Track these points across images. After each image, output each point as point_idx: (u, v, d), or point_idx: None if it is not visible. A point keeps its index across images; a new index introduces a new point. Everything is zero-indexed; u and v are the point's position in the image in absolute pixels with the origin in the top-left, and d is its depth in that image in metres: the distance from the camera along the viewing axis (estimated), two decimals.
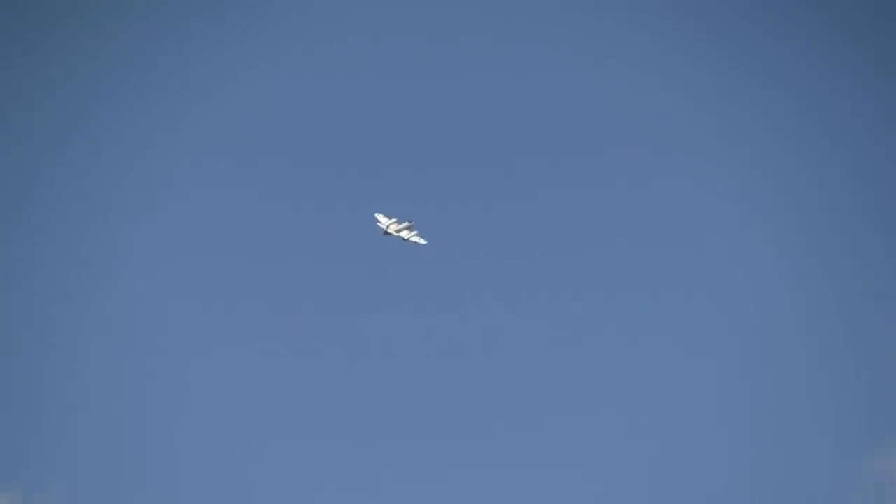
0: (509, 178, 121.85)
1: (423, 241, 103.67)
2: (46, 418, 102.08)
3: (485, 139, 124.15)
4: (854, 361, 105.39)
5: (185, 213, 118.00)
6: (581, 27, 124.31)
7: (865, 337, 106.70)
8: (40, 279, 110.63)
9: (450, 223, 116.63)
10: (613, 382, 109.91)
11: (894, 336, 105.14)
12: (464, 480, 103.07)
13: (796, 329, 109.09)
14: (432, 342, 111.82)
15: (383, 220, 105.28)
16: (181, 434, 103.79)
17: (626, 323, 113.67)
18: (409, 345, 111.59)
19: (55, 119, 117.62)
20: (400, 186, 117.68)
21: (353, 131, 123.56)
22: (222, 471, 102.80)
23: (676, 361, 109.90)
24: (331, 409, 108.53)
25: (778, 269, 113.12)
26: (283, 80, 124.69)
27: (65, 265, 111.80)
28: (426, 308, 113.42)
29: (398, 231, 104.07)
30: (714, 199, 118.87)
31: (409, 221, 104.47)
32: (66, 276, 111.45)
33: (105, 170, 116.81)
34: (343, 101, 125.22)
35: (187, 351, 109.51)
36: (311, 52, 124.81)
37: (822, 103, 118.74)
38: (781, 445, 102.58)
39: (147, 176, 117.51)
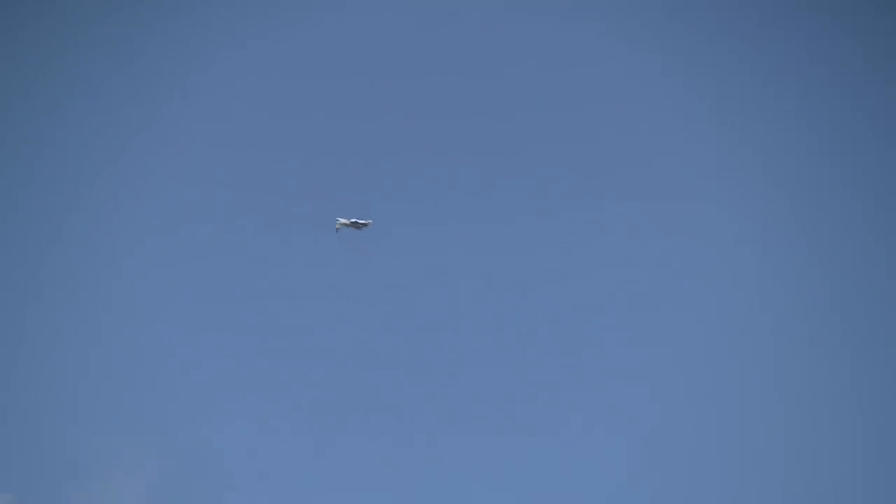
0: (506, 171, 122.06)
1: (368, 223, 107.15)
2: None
3: (482, 132, 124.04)
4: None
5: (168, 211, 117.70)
6: (582, 20, 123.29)
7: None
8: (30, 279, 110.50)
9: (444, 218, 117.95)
10: (609, 386, 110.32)
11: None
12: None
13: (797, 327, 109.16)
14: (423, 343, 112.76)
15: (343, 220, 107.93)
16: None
17: (624, 322, 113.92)
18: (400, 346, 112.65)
19: (46, 117, 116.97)
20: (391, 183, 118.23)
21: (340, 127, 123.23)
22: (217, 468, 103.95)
23: (672, 362, 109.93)
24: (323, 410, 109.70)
25: (779, 266, 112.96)
26: (266, 78, 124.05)
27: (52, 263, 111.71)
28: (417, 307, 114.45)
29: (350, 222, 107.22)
30: (716, 194, 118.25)
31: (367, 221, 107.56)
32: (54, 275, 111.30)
33: (85, 171, 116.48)
34: (330, 97, 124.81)
35: (176, 347, 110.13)
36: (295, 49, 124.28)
37: (823, 100, 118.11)
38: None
39: (134, 173, 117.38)
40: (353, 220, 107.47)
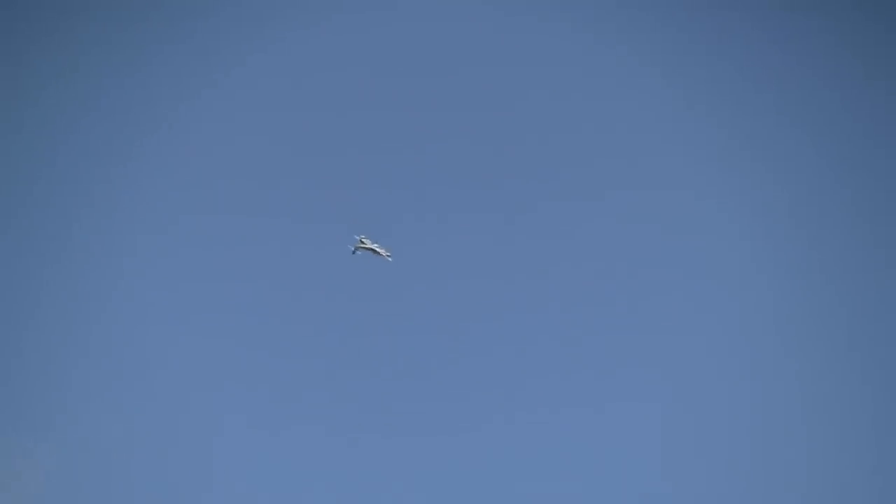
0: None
1: (388, 258, 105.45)
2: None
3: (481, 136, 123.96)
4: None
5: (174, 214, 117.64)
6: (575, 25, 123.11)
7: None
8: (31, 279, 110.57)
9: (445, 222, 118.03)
10: (609, 382, 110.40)
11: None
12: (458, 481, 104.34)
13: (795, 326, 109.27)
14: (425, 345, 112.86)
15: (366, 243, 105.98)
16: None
17: (623, 321, 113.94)
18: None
19: (45, 118, 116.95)
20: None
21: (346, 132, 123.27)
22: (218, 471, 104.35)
23: (672, 362, 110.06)
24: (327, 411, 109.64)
25: (776, 267, 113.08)
26: (274, 82, 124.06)
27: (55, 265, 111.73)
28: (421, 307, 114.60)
29: (371, 245, 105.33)
30: (712, 186, 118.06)
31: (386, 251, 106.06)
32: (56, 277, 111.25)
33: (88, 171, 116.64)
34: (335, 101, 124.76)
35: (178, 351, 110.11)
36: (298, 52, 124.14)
37: (815, 94, 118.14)
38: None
39: (139, 180, 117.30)
40: (375, 245, 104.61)
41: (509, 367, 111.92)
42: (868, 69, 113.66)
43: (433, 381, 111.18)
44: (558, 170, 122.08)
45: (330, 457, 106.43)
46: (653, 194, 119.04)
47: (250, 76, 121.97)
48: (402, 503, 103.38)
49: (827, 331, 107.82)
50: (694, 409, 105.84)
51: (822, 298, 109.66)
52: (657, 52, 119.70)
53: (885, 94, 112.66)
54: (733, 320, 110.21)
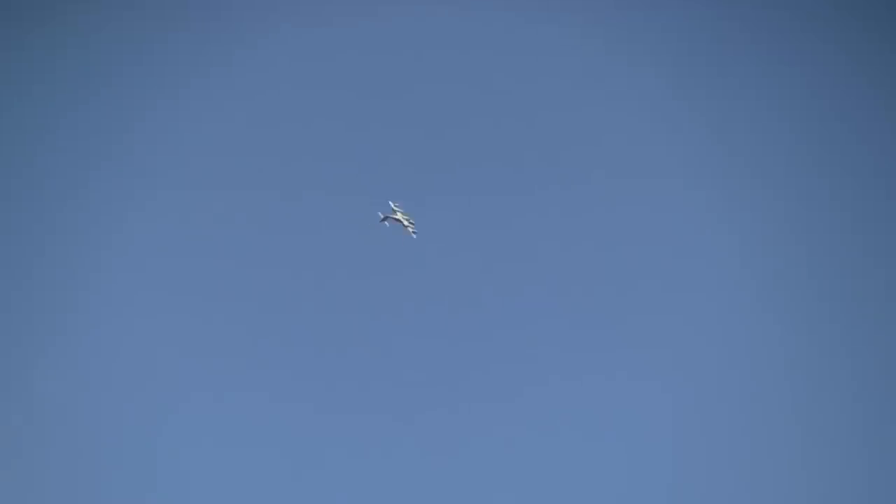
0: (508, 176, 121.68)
1: (413, 235, 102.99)
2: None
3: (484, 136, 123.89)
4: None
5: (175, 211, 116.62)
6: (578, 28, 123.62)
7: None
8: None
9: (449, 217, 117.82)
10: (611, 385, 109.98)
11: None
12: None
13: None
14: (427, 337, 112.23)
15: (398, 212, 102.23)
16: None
17: (623, 323, 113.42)
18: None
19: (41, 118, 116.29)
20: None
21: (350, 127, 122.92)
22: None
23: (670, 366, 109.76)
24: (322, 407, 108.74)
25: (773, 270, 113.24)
26: (280, 73, 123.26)
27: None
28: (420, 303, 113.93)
29: (402, 216, 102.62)
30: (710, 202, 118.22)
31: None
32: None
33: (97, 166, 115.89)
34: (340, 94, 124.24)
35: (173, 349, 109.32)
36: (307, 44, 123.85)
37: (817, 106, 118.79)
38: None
39: (143, 173, 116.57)
40: (406, 218, 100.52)
41: (502, 358, 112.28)
42: (866, 70, 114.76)
43: (431, 371, 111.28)
44: (569, 160, 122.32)
45: (328, 443, 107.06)
46: (669, 183, 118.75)
47: (253, 63, 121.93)
48: (405, 484, 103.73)
49: (828, 321, 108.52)
50: (694, 404, 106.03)
51: (823, 290, 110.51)
52: (656, 47, 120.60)
53: (885, 97, 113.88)
54: (733, 315, 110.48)
